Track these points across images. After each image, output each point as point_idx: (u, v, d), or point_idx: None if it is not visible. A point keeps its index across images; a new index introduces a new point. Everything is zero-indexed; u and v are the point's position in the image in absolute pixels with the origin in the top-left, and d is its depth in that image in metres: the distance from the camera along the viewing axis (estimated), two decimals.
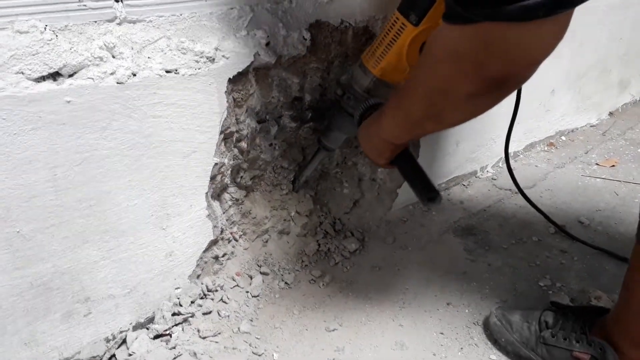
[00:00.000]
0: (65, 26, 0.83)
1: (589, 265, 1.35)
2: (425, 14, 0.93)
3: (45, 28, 0.80)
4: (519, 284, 1.29)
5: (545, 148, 2.04)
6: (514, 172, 1.52)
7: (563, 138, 2.12)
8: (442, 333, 1.15)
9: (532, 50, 0.60)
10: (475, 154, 1.77)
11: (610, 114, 2.33)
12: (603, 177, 1.82)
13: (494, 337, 1.12)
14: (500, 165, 1.88)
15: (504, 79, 0.64)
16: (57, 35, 0.82)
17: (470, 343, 1.13)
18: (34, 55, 0.80)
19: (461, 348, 1.11)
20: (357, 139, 1.09)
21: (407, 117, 0.84)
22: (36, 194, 0.88)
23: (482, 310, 1.20)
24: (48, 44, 0.81)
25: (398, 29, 0.98)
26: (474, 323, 1.18)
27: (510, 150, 1.90)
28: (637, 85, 2.41)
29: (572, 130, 2.17)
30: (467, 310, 1.21)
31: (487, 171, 1.85)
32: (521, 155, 1.96)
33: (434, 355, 1.09)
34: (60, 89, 0.84)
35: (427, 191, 0.90)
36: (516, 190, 1.52)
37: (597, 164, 1.91)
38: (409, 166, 0.97)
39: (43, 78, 0.82)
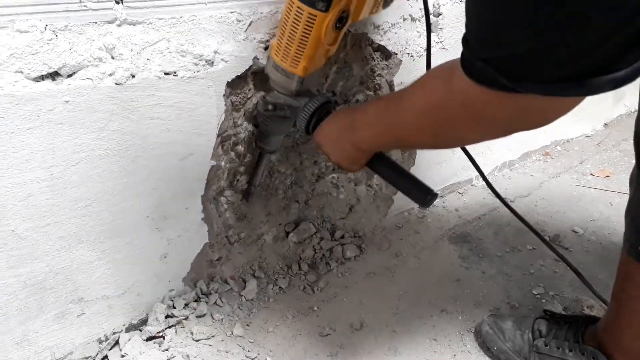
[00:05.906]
0: (66, 26, 0.83)
1: (583, 275, 1.35)
2: None
3: (45, 28, 0.80)
4: (512, 292, 1.30)
5: (541, 157, 2.05)
6: (509, 181, 1.52)
7: (558, 148, 2.13)
8: (435, 340, 1.15)
9: (558, 115, 0.62)
10: None
11: (605, 125, 2.34)
12: (597, 187, 1.82)
13: (486, 345, 1.12)
14: (496, 173, 1.89)
15: (516, 132, 0.67)
16: (57, 35, 0.82)
17: (463, 350, 1.13)
18: (33, 54, 0.80)
19: (454, 355, 1.11)
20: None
21: (398, 138, 0.82)
22: (32, 193, 0.88)
23: (475, 318, 1.21)
24: (48, 43, 0.81)
25: (307, 21, 0.87)
26: (467, 330, 1.18)
27: (506, 159, 1.92)
28: (632, 96, 2.41)
29: (568, 141, 2.18)
30: (460, 317, 1.21)
31: None
32: (517, 164, 1.97)
33: None
34: (58, 89, 0.84)
35: (423, 192, 0.88)
36: (511, 199, 1.53)
37: (591, 174, 1.92)
38: (390, 169, 0.94)
39: (42, 77, 0.82)
